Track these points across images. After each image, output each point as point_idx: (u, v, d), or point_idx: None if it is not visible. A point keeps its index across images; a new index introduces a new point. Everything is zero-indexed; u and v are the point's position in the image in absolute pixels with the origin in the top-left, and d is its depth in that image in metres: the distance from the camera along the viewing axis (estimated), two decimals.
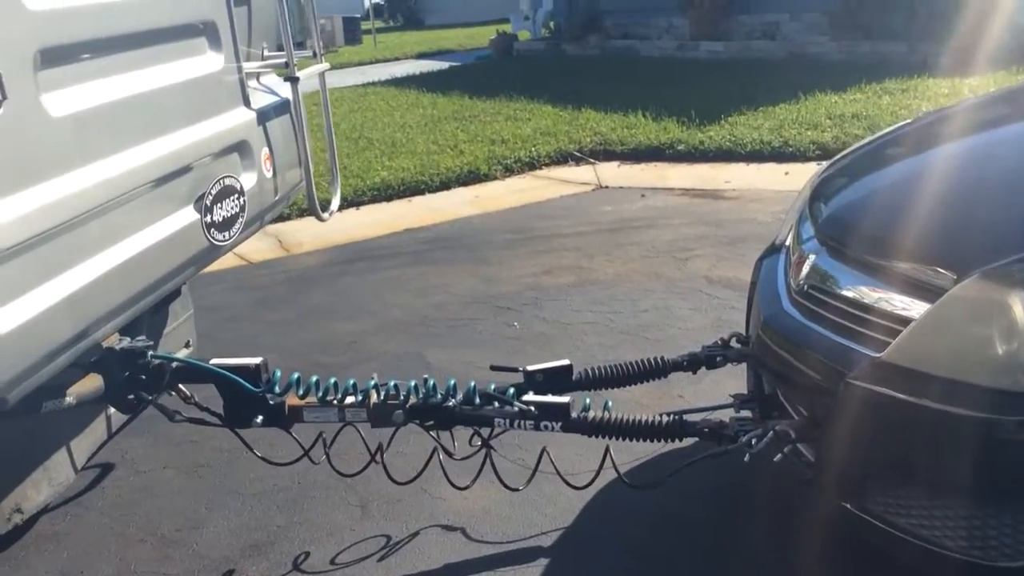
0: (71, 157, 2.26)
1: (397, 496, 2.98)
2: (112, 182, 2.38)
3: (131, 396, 2.64)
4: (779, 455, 2.31)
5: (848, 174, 2.85)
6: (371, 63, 17.56)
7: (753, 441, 2.35)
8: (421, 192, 7.23)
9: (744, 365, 2.97)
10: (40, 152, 2.16)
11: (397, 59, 18.22)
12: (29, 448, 2.75)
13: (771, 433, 2.32)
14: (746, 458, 2.36)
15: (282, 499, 3.08)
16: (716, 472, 2.70)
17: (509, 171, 7.61)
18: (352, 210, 6.88)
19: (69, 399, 2.50)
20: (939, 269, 2.04)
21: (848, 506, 2.16)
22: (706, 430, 2.49)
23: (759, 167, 7.13)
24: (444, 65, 15.40)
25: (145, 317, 2.84)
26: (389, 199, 7.14)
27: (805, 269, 2.47)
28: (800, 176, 6.63)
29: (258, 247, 6.02)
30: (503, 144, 8.19)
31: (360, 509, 2.99)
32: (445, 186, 7.32)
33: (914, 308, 2.05)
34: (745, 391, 2.98)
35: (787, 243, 2.85)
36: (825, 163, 3.19)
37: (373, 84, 13.36)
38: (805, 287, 2.43)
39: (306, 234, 6.32)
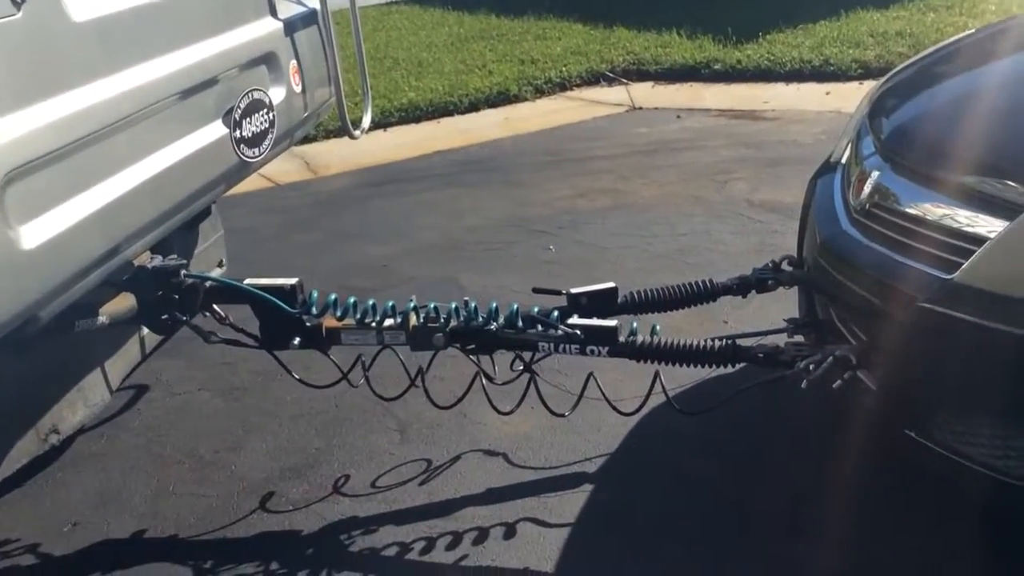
0: (95, 65, 2.15)
1: (436, 420, 2.92)
2: (138, 93, 2.28)
3: (165, 316, 2.58)
4: (838, 381, 2.21)
5: (912, 87, 2.69)
6: None
7: (811, 367, 2.24)
8: (450, 113, 7.05)
9: (794, 289, 2.85)
10: (63, 59, 2.05)
11: None
12: (64, 369, 2.71)
13: (831, 358, 2.22)
14: (803, 384, 2.26)
15: (320, 422, 3.04)
16: (765, 398, 2.61)
17: (540, 92, 7.39)
18: (380, 132, 6.72)
19: (102, 318, 2.45)
20: (1019, 183, 1.91)
21: (913, 435, 2.06)
22: (761, 355, 2.38)
23: (799, 87, 6.87)
24: None
25: (176, 237, 2.77)
26: (417, 120, 6.96)
27: (867, 187, 2.33)
28: (842, 96, 6.45)
29: (285, 168, 5.91)
30: (533, 64, 7.96)
31: (399, 433, 2.94)
32: (474, 107, 7.12)
33: (990, 226, 1.92)
34: (794, 316, 2.88)
35: (843, 161, 2.70)
36: (883, 78, 3.02)
37: (396, 3, 13.02)
38: (867, 206, 2.30)
39: (333, 156, 6.19)
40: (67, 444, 2.88)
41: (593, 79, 7.61)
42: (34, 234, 1.88)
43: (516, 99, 7.25)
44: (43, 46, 1.99)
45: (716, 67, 7.37)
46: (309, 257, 4.52)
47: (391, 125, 6.86)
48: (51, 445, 2.68)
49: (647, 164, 5.48)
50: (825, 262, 2.42)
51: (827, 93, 6.61)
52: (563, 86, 7.49)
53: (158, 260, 2.52)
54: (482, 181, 5.47)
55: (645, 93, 7.20)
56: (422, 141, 6.49)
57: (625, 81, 7.51)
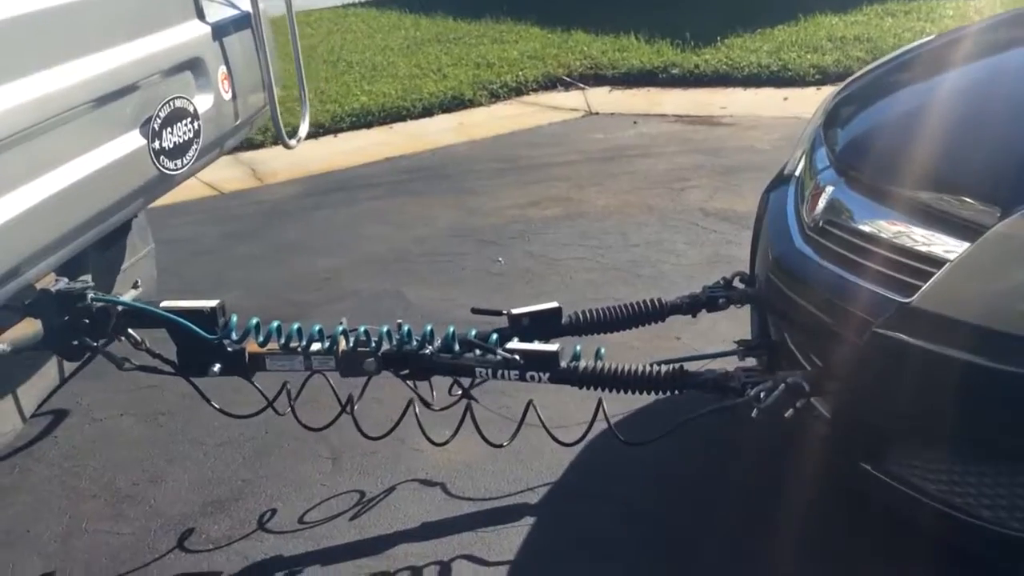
0: None
1: (371, 448, 2.76)
2: (43, 101, 2.10)
3: (75, 342, 2.39)
4: (790, 410, 2.09)
5: (869, 96, 2.58)
6: None
7: (762, 395, 2.11)
8: (403, 119, 6.89)
9: (748, 307, 2.73)
10: None
11: None
12: None
13: (782, 386, 2.09)
14: (754, 414, 2.12)
15: (249, 450, 2.86)
16: (715, 425, 2.48)
17: (495, 97, 7.25)
18: (330, 137, 6.56)
19: (2, 346, 2.26)
20: (981, 203, 1.79)
21: (868, 467, 1.94)
22: (709, 382, 2.25)
23: (756, 92, 6.80)
24: None
25: (90, 254, 2.58)
26: (369, 126, 6.79)
27: (821, 203, 2.21)
28: (800, 102, 6.38)
29: (229, 176, 5.71)
30: (488, 68, 7.82)
31: (331, 462, 2.78)
32: (428, 112, 6.97)
33: (950, 247, 1.81)
34: (748, 334, 2.76)
35: (797, 173, 2.59)
36: (839, 85, 2.91)
37: (353, 5, 12.81)
38: (821, 223, 2.18)
39: (281, 163, 5.99)
40: None
41: (550, 84, 7.50)
42: None
43: (471, 104, 7.12)
44: None
45: (674, 72, 7.29)
46: (248, 270, 4.33)
47: (342, 130, 6.70)
48: None
49: (602, 171, 5.35)
50: (777, 280, 2.30)
51: (785, 98, 6.54)
52: (519, 91, 7.37)
53: (63, 282, 2.34)
54: (433, 189, 5.32)
55: (602, 98, 7.09)
56: (373, 147, 6.32)
57: (582, 86, 7.40)
